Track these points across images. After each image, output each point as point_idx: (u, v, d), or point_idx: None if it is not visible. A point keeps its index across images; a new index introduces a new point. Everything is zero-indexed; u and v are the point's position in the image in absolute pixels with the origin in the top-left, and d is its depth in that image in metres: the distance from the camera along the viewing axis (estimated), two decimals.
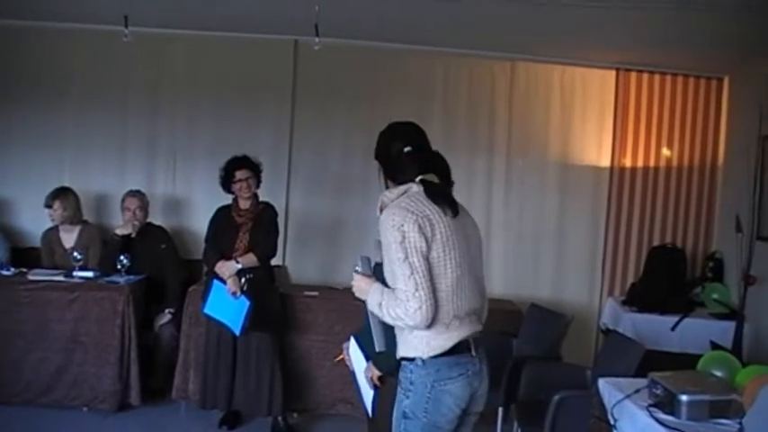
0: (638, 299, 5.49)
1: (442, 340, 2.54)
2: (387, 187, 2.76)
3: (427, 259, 2.48)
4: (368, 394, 3.05)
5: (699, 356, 4.26)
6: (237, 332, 4.62)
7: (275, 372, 4.77)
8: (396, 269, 2.46)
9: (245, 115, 6.02)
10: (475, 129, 6.09)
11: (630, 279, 6.10)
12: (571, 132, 6.16)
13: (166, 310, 5.22)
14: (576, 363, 4.79)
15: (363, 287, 2.63)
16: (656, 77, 6.13)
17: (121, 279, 5.04)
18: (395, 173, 2.75)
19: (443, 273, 2.52)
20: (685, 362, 3.56)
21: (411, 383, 2.57)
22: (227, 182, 4.78)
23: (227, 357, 4.76)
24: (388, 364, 2.86)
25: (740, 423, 2.24)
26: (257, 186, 4.83)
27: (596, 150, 6.18)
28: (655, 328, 5.18)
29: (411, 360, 2.58)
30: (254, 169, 4.81)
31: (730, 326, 5.03)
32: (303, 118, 6.09)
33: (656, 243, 6.06)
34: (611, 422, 3.11)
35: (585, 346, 5.99)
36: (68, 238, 5.48)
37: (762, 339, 4.90)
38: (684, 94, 6.14)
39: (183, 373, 5.09)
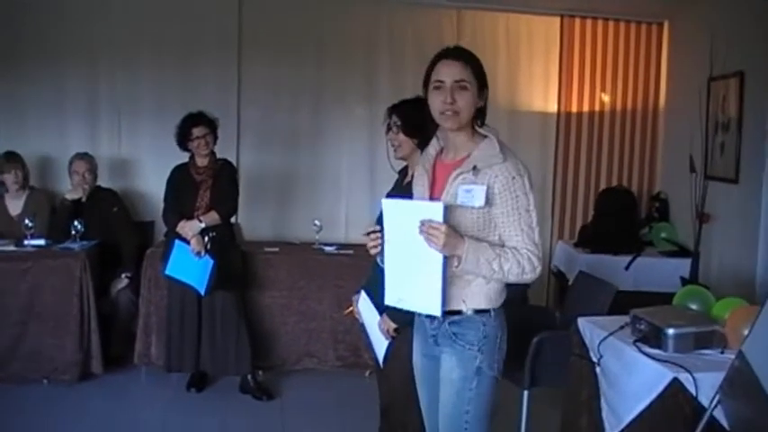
0: (591, 241, 5.63)
1: (505, 291, 2.54)
2: (478, 125, 2.52)
3: None
4: (381, 346, 3.05)
5: (653, 293, 4.46)
6: (203, 291, 4.53)
7: (241, 330, 4.72)
8: (525, 219, 2.39)
9: (190, 72, 5.81)
10: (422, 79, 6.06)
11: (579, 222, 6.28)
12: (518, 80, 6.23)
13: (123, 275, 5.07)
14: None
15: (456, 242, 2.33)
16: (599, 24, 6.24)
17: (76, 245, 4.86)
18: (483, 114, 2.54)
19: None
20: (642, 299, 3.67)
21: (485, 337, 2.48)
22: (183, 140, 4.64)
23: (192, 319, 4.67)
24: (402, 317, 2.84)
25: (740, 350, 2.34)
26: (214, 143, 4.71)
27: (543, 97, 6.28)
28: (608, 269, 5.31)
29: (484, 312, 2.49)
30: (211, 125, 4.68)
31: (680, 263, 5.27)
32: (250, 72, 5.94)
33: (602, 186, 6.24)
34: (595, 359, 3.21)
35: (538, 288, 6.12)
36: (15, 205, 5.22)
37: (711, 274, 5.11)
38: (627, 40, 6.27)
39: (145, 339, 4.95)
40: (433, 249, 2.32)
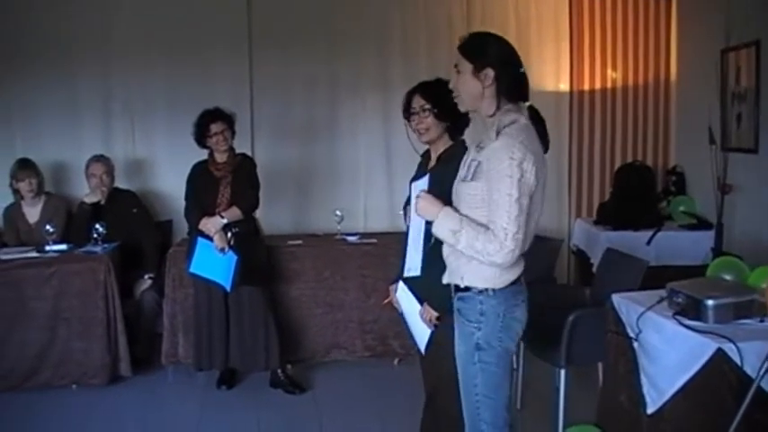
0: (611, 218, 5.60)
1: (511, 273, 2.57)
2: (498, 104, 2.54)
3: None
4: (424, 334, 3.07)
5: (677, 267, 4.43)
6: (228, 287, 4.52)
7: (269, 325, 4.69)
8: (502, 203, 2.38)
9: (201, 69, 5.80)
10: (435, 65, 5.99)
11: (596, 200, 6.25)
12: (530, 61, 6.14)
13: (146, 276, 5.09)
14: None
15: (431, 208, 2.57)
16: (608, 0, 6.21)
17: (98, 248, 4.85)
18: (512, 90, 2.57)
19: (533, 214, 2.51)
20: (667, 273, 3.66)
21: (482, 314, 2.57)
22: (201, 137, 4.62)
23: (220, 316, 4.65)
24: (443, 305, 2.85)
25: None
26: (233, 138, 4.68)
27: (555, 76, 6.25)
28: (630, 245, 5.26)
29: (481, 291, 2.57)
30: (228, 120, 4.65)
31: (700, 235, 5.27)
32: (262, 67, 5.92)
33: (617, 162, 6.22)
34: (633, 335, 3.19)
35: (559, 267, 6.10)
36: (32, 212, 5.23)
37: (733, 244, 5.09)
38: (635, 15, 6.23)
39: (171, 338, 4.93)
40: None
